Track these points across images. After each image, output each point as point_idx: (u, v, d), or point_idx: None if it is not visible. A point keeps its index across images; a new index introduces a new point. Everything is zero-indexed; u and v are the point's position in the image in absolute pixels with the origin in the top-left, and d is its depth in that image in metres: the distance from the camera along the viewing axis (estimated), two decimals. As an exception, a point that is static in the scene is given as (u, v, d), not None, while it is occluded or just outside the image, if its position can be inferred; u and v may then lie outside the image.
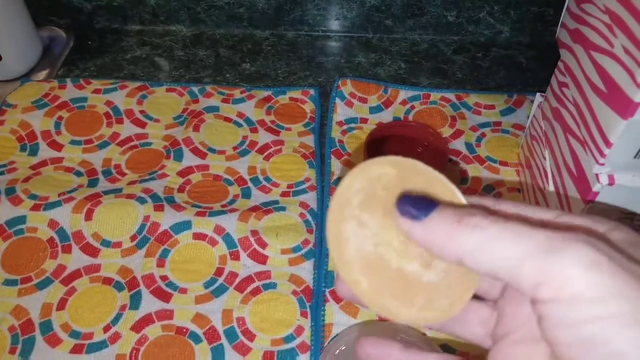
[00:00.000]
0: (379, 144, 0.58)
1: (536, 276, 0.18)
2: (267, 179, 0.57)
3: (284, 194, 0.56)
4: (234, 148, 0.60)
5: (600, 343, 0.17)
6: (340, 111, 0.64)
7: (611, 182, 0.38)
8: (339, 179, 0.56)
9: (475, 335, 0.25)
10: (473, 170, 0.58)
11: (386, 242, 0.23)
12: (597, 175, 0.38)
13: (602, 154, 0.37)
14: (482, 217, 0.20)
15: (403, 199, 0.22)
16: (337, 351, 0.43)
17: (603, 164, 0.37)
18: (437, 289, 0.22)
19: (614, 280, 0.17)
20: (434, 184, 0.23)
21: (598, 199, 0.39)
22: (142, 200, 0.52)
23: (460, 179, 0.57)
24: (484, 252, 0.19)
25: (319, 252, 0.51)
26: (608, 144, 0.36)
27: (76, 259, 0.50)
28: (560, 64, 0.47)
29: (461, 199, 0.23)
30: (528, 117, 0.56)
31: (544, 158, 0.49)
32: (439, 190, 0.23)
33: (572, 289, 0.17)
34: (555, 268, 0.18)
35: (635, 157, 0.37)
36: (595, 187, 0.38)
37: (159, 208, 0.52)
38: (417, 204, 0.21)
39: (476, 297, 0.25)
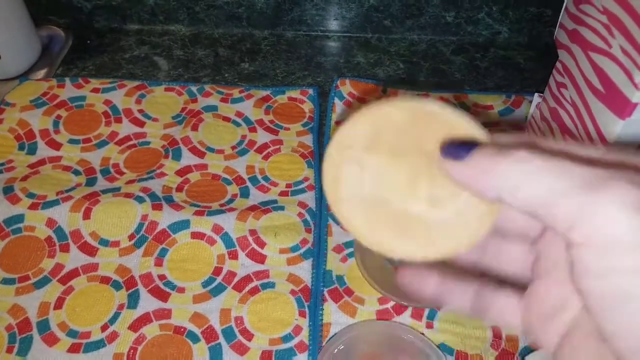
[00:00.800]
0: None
1: (571, 214, 0.17)
2: (266, 179, 0.57)
3: (283, 194, 0.56)
4: (233, 147, 0.60)
5: (635, 298, 0.15)
6: (339, 111, 0.64)
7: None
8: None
9: (511, 271, 0.24)
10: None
11: (390, 183, 0.22)
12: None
13: (600, 154, 0.37)
14: (526, 151, 0.18)
15: (447, 146, 0.21)
16: (335, 350, 0.43)
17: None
18: (444, 229, 0.22)
19: None
20: (451, 126, 0.22)
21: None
22: (140, 200, 0.52)
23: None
24: (524, 186, 0.18)
25: (317, 252, 0.51)
26: (606, 144, 0.36)
27: (74, 258, 0.50)
28: (558, 64, 0.47)
29: (485, 139, 0.21)
30: (526, 117, 0.56)
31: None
32: (458, 132, 0.21)
33: (608, 233, 0.16)
34: (592, 207, 0.16)
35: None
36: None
37: (157, 207, 0.51)
38: (461, 146, 0.20)
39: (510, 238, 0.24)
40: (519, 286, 0.23)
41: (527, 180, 0.18)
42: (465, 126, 0.21)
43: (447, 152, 0.21)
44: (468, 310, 0.24)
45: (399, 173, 0.22)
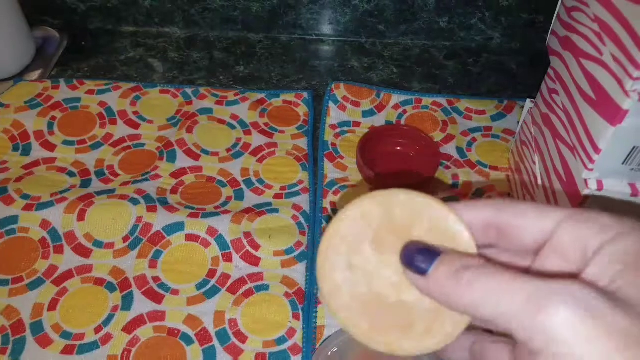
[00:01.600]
0: (372, 148, 0.58)
1: (526, 332, 0.19)
2: (260, 181, 0.57)
3: (277, 196, 0.56)
4: (228, 150, 0.60)
5: None
6: (334, 114, 0.64)
7: (600, 187, 0.38)
8: (332, 182, 0.57)
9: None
10: (464, 174, 0.58)
11: (381, 278, 0.23)
12: (586, 180, 0.39)
13: (591, 160, 0.38)
14: (478, 273, 0.21)
15: (406, 250, 0.23)
16: (329, 353, 0.43)
17: (592, 170, 0.38)
18: (438, 314, 0.23)
19: (587, 343, 0.18)
20: (423, 209, 0.23)
21: (587, 204, 0.39)
22: (135, 201, 0.52)
23: (451, 183, 0.57)
24: (484, 306, 0.20)
25: (311, 254, 0.51)
26: (597, 150, 0.37)
27: (68, 260, 0.50)
28: (550, 70, 0.48)
29: (456, 219, 0.23)
30: (518, 122, 0.56)
31: (534, 163, 0.49)
32: (430, 214, 0.23)
33: (553, 347, 0.19)
34: (539, 324, 0.19)
35: (623, 163, 0.37)
36: (584, 192, 0.39)
37: (151, 209, 0.52)
38: (420, 256, 0.22)
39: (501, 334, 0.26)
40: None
41: (485, 301, 0.20)
42: (434, 206, 0.23)
43: (408, 261, 0.23)
44: None
45: (386, 267, 0.23)
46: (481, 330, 0.26)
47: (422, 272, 0.22)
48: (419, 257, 0.22)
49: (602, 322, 0.19)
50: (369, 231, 0.23)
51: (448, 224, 0.23)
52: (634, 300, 0.19)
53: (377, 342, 0.23)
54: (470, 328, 0.24)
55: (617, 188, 0.38)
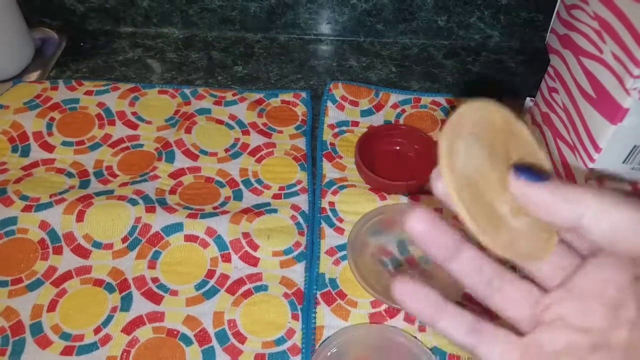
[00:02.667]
0: (371, 148, 0.58)
1: None
2: (259, 181, 0.57)
3: (276, 196, 0.56)
4: (226, 150, 0.60)
5: None
6: (332, 114, 0.64)
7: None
8: (330, 182, 0.57)
9: (516, 315, 0.25)
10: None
11: (486, 176, 0.23)
12: (586, 180, 0.39)
13: (591, 159, 0.38)
14: (598, 186, 0.21)
15: (522, 167, 0.22)
16: (329, 354, 0.43)
17: (592, 169, 0.38)
18: (521, 237, 0.23)
19: None
20: (533, 151, 0.24)
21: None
22: (133, 202, 0.52)
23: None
24: (604, 217, 0.20)
25: (310, 255, 0.51)
26: (597, 148, 0.37)
27: (67, 261, 0.49)
28: (550, 69, 0.48)
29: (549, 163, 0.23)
30: (518, 121, 0.56)
31: (534, 162, 0.49)
32: (527, 150, 0.24)
33: None
34: None
35: (624, 162, 0.37)
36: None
37: (150, 210, 0.51)
38: (533, 171, 0.22)
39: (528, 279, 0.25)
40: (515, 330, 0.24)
41: (609, 208, 0.20)
42: (540, 153, 0.24)
43: (524, 173, 0.22)
44: (460, 337, 0.24)
45: (493, 171, 0.23)
46: (485, 313, 0.25)
47: (540, 180, 0.22)
48: (534, 170, 0.22)
49: None
50: (489, 133, 0.24)
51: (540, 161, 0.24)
52: None
53: (467, 214, 0.22)
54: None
55: (617, 187, 0.38)
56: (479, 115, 0.24)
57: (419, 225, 0.23)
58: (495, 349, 0.23)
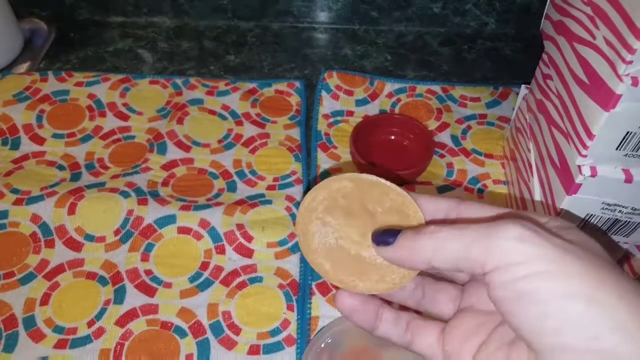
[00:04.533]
0: (365, 137, 0.58)
1: (482, 257, 0.23)
2: (253, 173, 0.57)
3: (270, 188, 0.55)
4: (219, 141, 0.59)
5: (529, 294, 0.22)
6: (326, 104, 0.64)
7: (594, 173, 0.38)
8: (325, 172, 0.56)
9: (443, 311, 0.30)
10: (459, 162, 0.58)
11: (346, 236, 0.29)
12: (579, 167, 0.38)
13: (584, 146, 0.37)
14: (434, 226, 0.25)
15: (377, 233, 0.28)
16: (323, 344, 0.43)
17: (586, 156, 0.38)
18: (390, 268, 0.28)
19: (537, 247, 0.22)
20: (387, 192, 0.29)
21: (580, 190, 0.39)
22: (125, 194, 0.52)
23: (446, 172, 0.57)
24: (442, 251, 0.24)
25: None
26: (590, 136, 0.36)
27: (59, 254, 0.49)
28: (544, 55, 0.47)
29: (411, 201, 0.28)
30: (513, 109, 0.56)
31: (529, 150, 0.49)
32: (391, 197, 0.29)
33: (507, 258, 0.22)
34: (493, 246, 0.23)
35: (617, 148, 0.37)
36: (578, 179, 0.38)
37: (142, 202, 0.51)
38: (387, 234, 0.27)
39: (446, 280, 0.31)
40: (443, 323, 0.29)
41: (441, 247, 0.24)
42: (396, 191, 0.28)
43: (378, 240, 0.27)
44: (397, 338, 0.30)
45: (351, 227, 0.29)
46: (417, 314, 0.31)
47: (389, 243, 0.26)
48: (386, 234, 0.27)
49: (544, 235, 0.23)
50: (342, 200, 0.29)
51: (404, 205, 0.29)
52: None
53: (335, 279, 0.29)
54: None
55: (610, 174, 0.38)
56: (327, 191, 0.29)
57: (346, 302, 0.29)
58: (426, 341, 0.29)
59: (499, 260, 0.22)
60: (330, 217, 0.29)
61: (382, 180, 0.29)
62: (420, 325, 0.29)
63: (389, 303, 0.31)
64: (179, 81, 0.65)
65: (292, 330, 0.45)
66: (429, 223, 0.28)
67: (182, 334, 0.45)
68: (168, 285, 0.47)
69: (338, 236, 0.29)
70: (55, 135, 0.59)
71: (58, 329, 0.45)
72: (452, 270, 0.25)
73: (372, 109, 0.64)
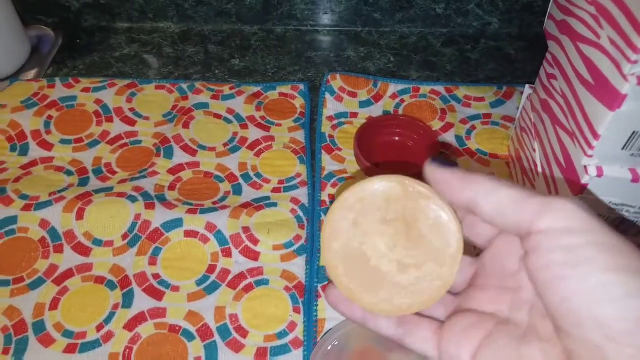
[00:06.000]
0: (369, 139, 0.58)
1: (536, 211, 0.22)
2: (258, 175, 0.57)
3: (275, 190, 0.56)
4: (224, 144, 0.60)
5: (585, 263, 0.21)
6: (330, 106, 0.64)
7: (599, 173, 0.38)
8: (329, 174, 0.57)
9: (434, 315, 0.29)
10: (463, 162, 0.58)
11: (372, 244, 0.27)
12: (585, 166, 0.38)
13: (590, 146, 0.37)
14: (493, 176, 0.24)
15: (434, 158, 0.26)
16: (330, 346, 0.43)
17: (591, 156, 0.38)
18: (403, 291, 0.27)
19: (595, 220, 0.21)
20: (435, 207, 0.27)
21: (587, 190, 0.39)
22: (132, 199, 0.52)
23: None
24: (495, 192, 0.23)
25: (310, 248, 0.51)
26: (596, 135, 0.36)
27: (68, 259, 0.49)
28: (548, 55, 0.47)
29: (449, 219, 0.26)
30: (517, 108, 0.56)
31: (534, 150, 0.49)
32: (437, 214, 0.26)
33: (566, 221, 0.22)
34: (552, 203, 0.22)
35: (623, 148, 0.37)
36: (584, 179, 0.38)
37: (149, 206, 0.51)
38: (445, 161, 0.26)
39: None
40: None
41: (495, 190, 0.23)
42: (440, 206, 0.26)
43: (434, 160, 0.26)
44: (389, 331, 0.28)
45: (382, 237, 0.27)
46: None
47: (445, 166, 0.26)
48: (444, 161, 0.26)
49: (598, 217, 0.22)
50: (383, 203, 0.27)
51: (444, 224, 0.26)
52: None
53: (342, 284, 0.27)
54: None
55: (617, 174, 0.38)
56: (367, 191, 0.27)
57: (331, 292, 0.29)
58: (420, 337, 0.28)
59: (556, 219, 0.22)
60: (363, 219, 0.27)
61: (434, 194, 0.26)
62: (413, 321, 0.28)
63: None
64: (184, 85, 0.65)
65: (298, 332, 0.45)
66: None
67: (189, 337, 0.45)
68: (175, 289, 0.48)
69: (363, 241, 0.27)
70: (62, 141, 0.59)
71: (67, 333, 0.45)
72: (490, 221, 0.24)
73: (376, 110, 0.64)
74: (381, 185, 0.27)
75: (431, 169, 0.26)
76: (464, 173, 0.25)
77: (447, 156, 0.58)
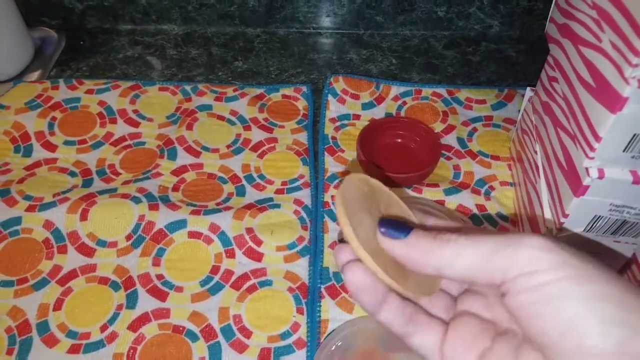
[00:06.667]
0: (372, 141, 0.58)
1: (504, 265, 0.23)
2: (261, 177, 0.57)
3: (278, 191, 0.56)
4: (228, 146, 0.60)
5: (558, 297, 0.21)
6: (333, 108, 0.64)
7: (601, 175, 0.38)
8: (332, 176, 0.57)
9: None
10: (465, 165, 0.58)
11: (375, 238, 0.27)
12: (587, 169, 0.38)
13: (591, 148, 0.37)
14: (451, 234, 0.24)
15: (383, 222, 0.26)
16: (334, 347, 0.43)
17: (593, 158, 0.38)
18: (420, 278, 0.27)
19: (561, 255, 0.22)
20: (392, 205, 0.28)
21: (588, 192, 0.39)
22: (136, 200, 0.52)
23: (453, 174, 0.57)
24: (459, 259, 0.24)
25: (314, 249, 0.51)
26: (597, 138, 0.37)
27: (72, 259, 0.50)
28: (549, 58, 0.48)
29: (414, 219, 0.28)
30: (519, 111, 0.56)
31: (535, 152, 0.49)
32: (394, 211, 0.28)
33: (533, 265, 0.22)
34: (516, 255, 0.23)
35: (624, 150, 0.37)
36: (586, 181, 0.38)
37: (153, 207, 0.52)
38: (396, 226, 0.26)
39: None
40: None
41: (460, 254, 0.24)
42: (406, 209, 0.28)
43: (386, 232, 0.26)
44: (398, 327, 0.28)
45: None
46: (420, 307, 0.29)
47: (399, 238, 0.26)
48: (396, 226, 0.26)
49: (563, 246, 0.23)
50: (366, 199, 0.28)
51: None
52: None
53: (385, 277, 0.25)
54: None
55: (618, 176, 0.38)
56: (354, 188, 0.27)
57: (358, 278, 0.26)
58: (428, 338, 0.27)
59: (523, 267, 0.22)
60: (363, 214, 0.27)
61: (390, 193, 0.28)
62: (424, 321, 0.28)
63: None
64: (188, 87, 0.66)
65: (302, 333, 0.46)
66: (442, 229, 0.26)
67: (193, 337, 0.45)
68: (179, 290, 0.48)
69: (374, 235, 0.27)
70: (66, 142, 0.60)
71: (71, 334, 0.45)
72: (461, 280, 0.24)
73: (378, 112, 0.64)
74: (356, 184, 0.28)
75: (385, 241, 0.26)
76: (422, 241, 0.25)
77: (448, 158, 0.59)
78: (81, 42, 0.74)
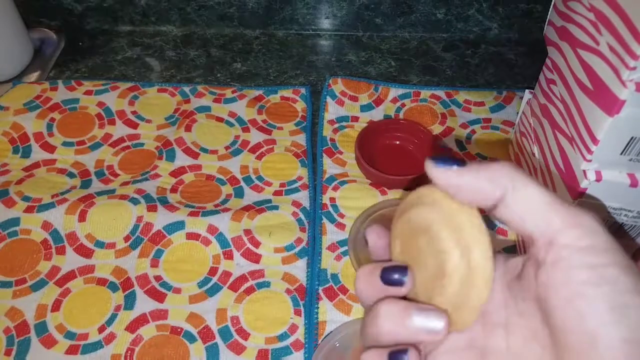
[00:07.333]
0: (371, 142, 0.58)
1: (567, 218, 0.21)
2: (260, 178, 0.57)
3: (277, 193, 0.56)
4: (226, 148, 0.60)
5: (610, 283, 0.20)
6: (332, 110, 0.64)
7: (598, 178, 0.38)
8: (331, 178, 0.57)
9: None
10: (464, 167, 0.58)
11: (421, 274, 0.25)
12: (584, 171, 0.39)
13: (589, 151, 0.38)
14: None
15: (437, 157, 0.23)
16: (331, 349, 0.43)
17: (590, 161, 0.38)
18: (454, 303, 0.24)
19: (614, 240, 0.21)
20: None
21: (586, 195, 0.39)
22: (135, 201, 0.52)
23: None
24: (523, 190, 0.22)
25: (312, 251, 0.51)
26: (595, 140, 0.37)
27: (70, 260, 0.50)
28: (547, 61, 0.48)
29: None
30: (517, 113, 0.56)
31: (533, 154, 0.49)
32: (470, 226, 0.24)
33: (588, 239, 0.21)
34: (580, 219, 0.21)
35: (621, 153, 0.37)
36: (583, 184, 0.39)
37: (152, 208, 0.52)
38: (451, 158, 0.23)
39: None
40: None
41: (527, 187, 0.22)
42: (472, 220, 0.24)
43: (441, 162, 0.23)
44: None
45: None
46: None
47: (458, 166, 0.23)
48: (447, 158, 0.23)
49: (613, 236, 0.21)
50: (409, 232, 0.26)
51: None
52: None
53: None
54: None
55: (615, 178, 0.38)
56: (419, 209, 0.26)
57: (376, 240, 0.27)
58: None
59: (581, 235, 0.21)
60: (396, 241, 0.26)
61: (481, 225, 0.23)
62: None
63: None
64: (186, 89, 0.66)
65: (300, 334, 0.46)
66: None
67: (191, 339, 0.45)
68: (177, 291, 0.48)
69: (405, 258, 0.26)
70: (65, 143, 0.60)
71: (69, 335, 0.45)
72: (510, 221, 0.22)
73: (377, 114, 0.64)
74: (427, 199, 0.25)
75: (440, 174, 0.23)
76: (483, 169, 0.22)
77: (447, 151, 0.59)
78: (80, 43, 0.74)
